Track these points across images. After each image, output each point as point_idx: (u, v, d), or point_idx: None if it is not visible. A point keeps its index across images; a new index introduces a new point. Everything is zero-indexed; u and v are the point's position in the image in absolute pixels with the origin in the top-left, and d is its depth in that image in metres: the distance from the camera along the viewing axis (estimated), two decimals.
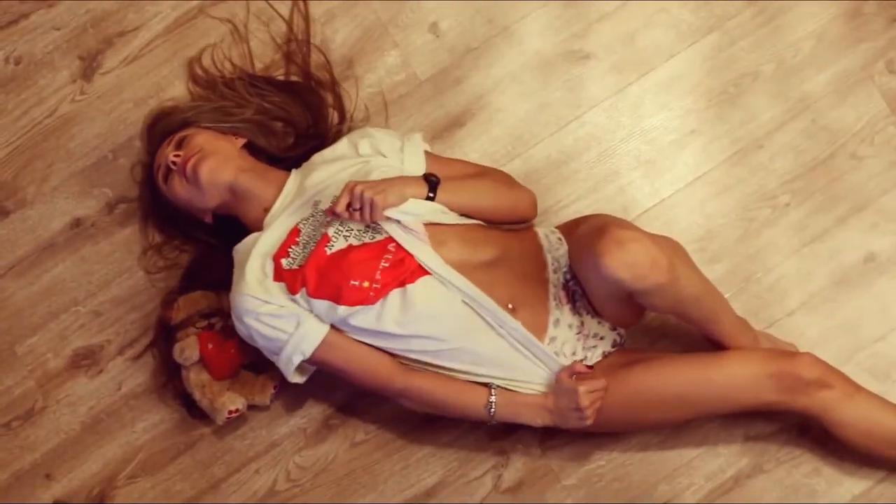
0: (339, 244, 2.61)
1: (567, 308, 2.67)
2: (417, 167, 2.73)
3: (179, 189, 2.72)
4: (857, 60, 2.93)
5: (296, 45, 2.94)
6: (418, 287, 2.58)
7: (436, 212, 2.64)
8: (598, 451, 2.87)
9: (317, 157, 2.79)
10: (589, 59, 2.96)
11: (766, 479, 2.84)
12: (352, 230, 2.62)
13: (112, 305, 2.95)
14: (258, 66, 2.95)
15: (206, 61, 2.95)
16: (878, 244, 2.89)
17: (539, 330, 2.64)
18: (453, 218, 2.66)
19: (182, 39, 2.98)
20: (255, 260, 2.66)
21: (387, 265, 2.58)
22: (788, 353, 2.62)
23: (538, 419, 2.67)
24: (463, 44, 2.97)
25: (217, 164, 2.70)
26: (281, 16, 2.95)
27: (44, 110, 2.98)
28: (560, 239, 2.74)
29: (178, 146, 2.73)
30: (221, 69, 2.94)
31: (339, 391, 2.90)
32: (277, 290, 2.63)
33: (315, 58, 2.93)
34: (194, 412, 2.88)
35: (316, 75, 2.92)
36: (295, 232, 2.66)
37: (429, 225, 2.64)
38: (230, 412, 2.78)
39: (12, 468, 2.92)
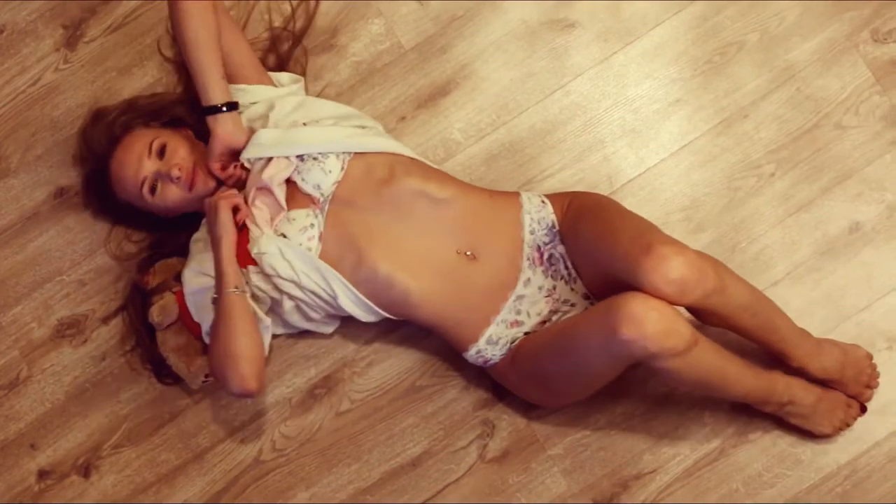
0: None
1: (540, 270, 2.68)
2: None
3: (173, 198, 2.73)
4: (842, 29, 2.92)
5: (286, 36, 2.94)
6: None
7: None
8: (584, 421, 2.87)
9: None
10: (574, 27, 2.95)
11: (751, 448, 2.84)
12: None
13: (96, 275, 2.94)
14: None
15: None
16: (862, 213, 2.88)
17: (507, 285, 2.66)
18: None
19: (166, 7, 2.95)
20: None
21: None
22: (620, 320, 2.46)
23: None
24: (448, 12, 2.96)
25: (206, 176, 2.73)
26: (291, 4, 2.95)
27: (27, 79, 2.97)
28: (543, 202, 2.74)
29: (161, 155, 2.72)
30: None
31: (324, 360, 2.91)
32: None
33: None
34: (164, 377, 2.88)
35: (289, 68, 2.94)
36: None
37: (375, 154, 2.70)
38: (206, 377, 2.77)
39: None
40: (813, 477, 2.83)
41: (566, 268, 2.71)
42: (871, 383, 2.80)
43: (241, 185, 2.73)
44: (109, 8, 2.98)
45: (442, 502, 2.88)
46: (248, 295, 2.64)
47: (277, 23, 2.95)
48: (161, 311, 2.76)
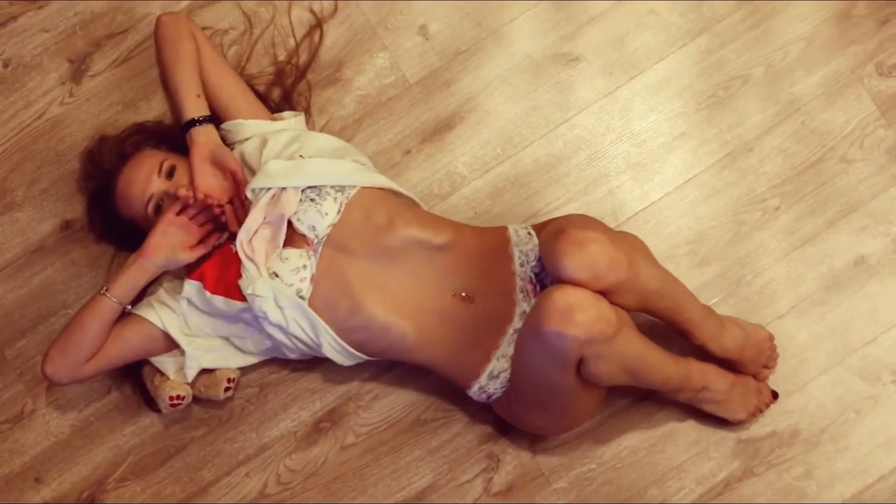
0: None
1: (534, 301, 2.68)
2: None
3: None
4: (847, 63, 2.93)
5: (290, 71, 2.95)
6: None
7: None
8: (589, 455, 2.87)
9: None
10: (578, 61, 2.96)
11: (756, 483, 2.84)
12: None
13: None
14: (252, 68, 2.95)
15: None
16: (867, 247, 2.89)
17: (504, 321, 2.66)
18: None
19: None
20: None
21: None
22: (544, 317, 2.47)
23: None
24: (452, 46, 2.97)
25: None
26: (295, 39, 2.96)
27: (33, 113, 2.98)
28: (530, 234, 2.74)
29: (169, 176, 2.72)
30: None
31: (329, 394, 2.91)
32: (193, 289, 2.74)
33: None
34: (152, 404, 2.88)
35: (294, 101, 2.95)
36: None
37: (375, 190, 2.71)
38: (171, 399, 2.77)
39: (1, 472, 2.92)
40: None
41: None
42: (768, 364, 2.82)
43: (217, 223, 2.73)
44: (115, 42, 2.99)
45: None
46: (124, 309, 2.69)
47: (282, 57, 2.96)
48: None
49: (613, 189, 2.93)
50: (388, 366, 2.89)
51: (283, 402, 2.91)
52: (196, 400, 2.85)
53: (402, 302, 2.65)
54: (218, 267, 2.69)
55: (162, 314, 2.72)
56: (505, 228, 2.76)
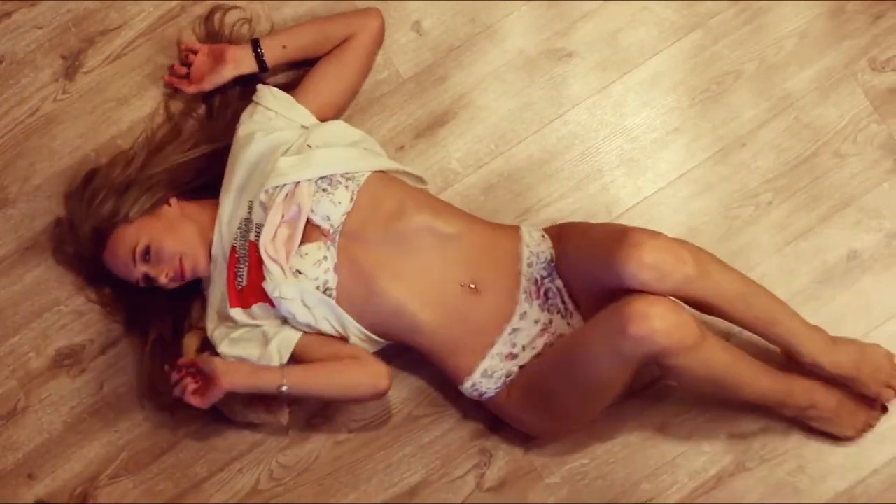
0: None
1: (536, 304, 2.68)
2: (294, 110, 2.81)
3: (171, 286, 2.75)
4: (840, 58, 2.93)
5: None
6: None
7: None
8: (581, 450, 2.87)
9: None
10: (572, 57, 2.96)
11: (749, 477, 2.84)
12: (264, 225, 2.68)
13: (94, 305, 2.93)
14: None
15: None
16: (860, 242, 2.88)
17: (503, 318, 2.67)
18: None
19: (165, 37, 2.98)
20: (216, 291, 2.75)
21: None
22: (627, 320, 2.46)
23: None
24: (446, 42, 2.97)
25: (195, 255, 2.74)
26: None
27: (26, 109, 2.98)
28: (543, 237, 2.75)
29: (146, 257, 2.71)
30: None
31: None
32: (239, 315, 2.70)
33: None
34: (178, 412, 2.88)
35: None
36: (233, 250, 2.73)
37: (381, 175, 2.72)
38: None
39: None
40: None
41: (563, 302, 2.71)
42: (891, 382, 2.75)
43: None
44: (108, 39, 2.99)
45: None
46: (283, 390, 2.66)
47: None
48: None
49: (607, 184, 2.93)
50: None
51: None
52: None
53: (414, 287, 2.66)
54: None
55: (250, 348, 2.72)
56: (518, 227, 2.77)
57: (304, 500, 2.89)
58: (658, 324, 2.41)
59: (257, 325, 2.70)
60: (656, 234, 2.48)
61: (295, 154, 2.70)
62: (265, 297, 2.66)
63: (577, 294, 2.71)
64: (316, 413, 2.90)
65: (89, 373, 2.93)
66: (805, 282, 2.88)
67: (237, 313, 2.70)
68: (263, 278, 2.65)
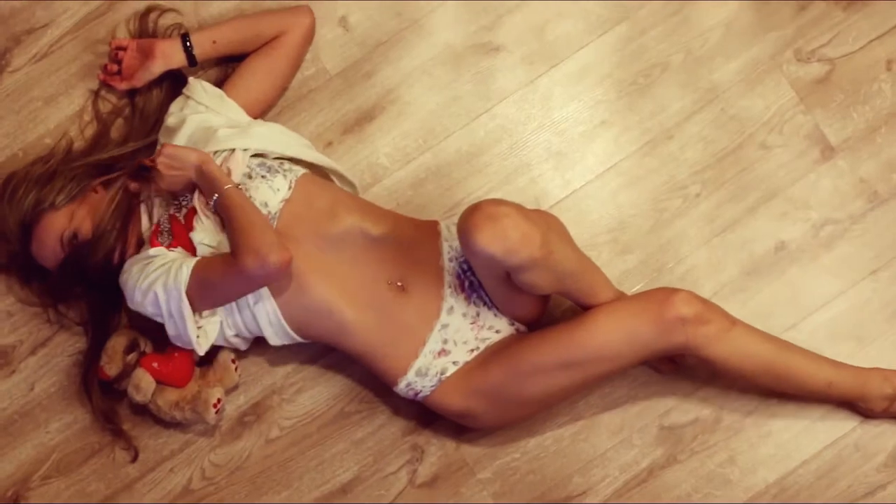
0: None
1: (462, 297, 2.68)
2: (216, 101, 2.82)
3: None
4: (766, 49, 2.93)
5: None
6: None
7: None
8: (513, 445, 2.87)
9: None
10: (499, 51, 2.95)
11: (680, 469, 2.85)
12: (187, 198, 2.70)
13: (24, 305, 2.92)
14: None
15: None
16: (788, 233, 2.89)
17: (432, 315, 2.68)
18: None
19: (92, 36, 2.96)
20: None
21: None
22: (661, 296, 2.59)
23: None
24: (373, 38, 2.96)
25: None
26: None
27: None
28: None
29: (73, 245, 2.72)
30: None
31: (253, 387, 2.90)
32: (157, 251, 2.69)
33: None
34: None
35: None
36: (156, 226, 2.73)
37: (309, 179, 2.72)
38: (215, 405, 2.77)
39: None
40: (742, 496, 2.83)
41: (487, 294, 2.71)
42: None
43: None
44: (34, 37, 2.97)
45: None
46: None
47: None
48: (138, 389, 2.77)
49: (535, 178, 2.93)
50: (311, 358, 2.89)
51: None
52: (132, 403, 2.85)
53: (343, 287, 2.66)
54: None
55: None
56: (437, 223, 2.77)
57: (236, 499, 2.89)
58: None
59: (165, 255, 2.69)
60: (507, 211, 2.45)
61: (234, 128, 2.74)
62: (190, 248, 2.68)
63: (483, 283, 2.70)
64: (247, 411, 2.90)
65: (19, 374, 2.92)
66: (733, 273, 2.88)
67: (156, 251, 2.68)
68: (188, 240, 2.66)
